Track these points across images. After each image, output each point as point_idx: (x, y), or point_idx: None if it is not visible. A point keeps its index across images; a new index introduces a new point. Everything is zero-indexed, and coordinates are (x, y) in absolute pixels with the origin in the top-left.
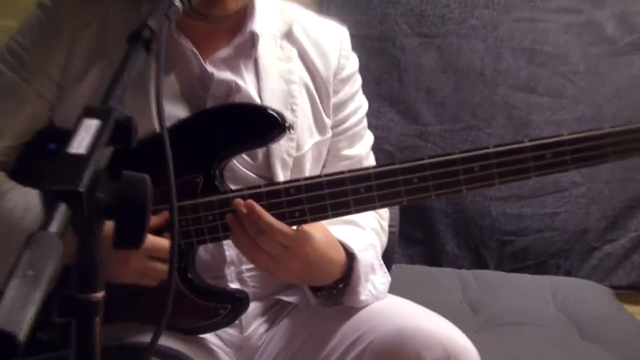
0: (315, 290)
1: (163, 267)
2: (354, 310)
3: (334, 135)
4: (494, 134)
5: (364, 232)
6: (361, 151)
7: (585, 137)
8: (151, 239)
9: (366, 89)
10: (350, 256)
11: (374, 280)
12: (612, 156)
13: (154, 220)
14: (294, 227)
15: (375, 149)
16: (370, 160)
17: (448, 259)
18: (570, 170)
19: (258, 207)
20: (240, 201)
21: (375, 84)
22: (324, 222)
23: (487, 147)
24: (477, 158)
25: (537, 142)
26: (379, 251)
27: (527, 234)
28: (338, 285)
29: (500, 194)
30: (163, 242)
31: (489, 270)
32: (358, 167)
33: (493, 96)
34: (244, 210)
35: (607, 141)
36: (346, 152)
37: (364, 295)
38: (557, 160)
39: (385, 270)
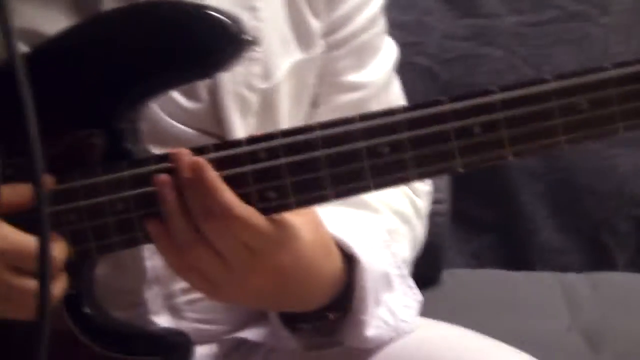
0: (290, 321)
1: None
2: (368, 352)
3: (329, 49)
4: (614, 26)
5: (376, 219)
6: (376, 75)
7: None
8: (13, 235)
9: None
10: (351, 263)
11: (390, 303)
12: None
13: (20, 192)
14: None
15: (402, 64)
16: (393, 93)
17: (543, 256)
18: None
19: (212, 173)
20: (182, 155)
21: None
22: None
23: None
24: None
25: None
26: (406, 251)
27: None
28: (328, 314)
29: (634, 133)
30: (32, 242)
31: (618, 272)
32: (373, 106)
33: None
34: (187, 174)
35: None
36: (352, 77)
37: (372, 328)
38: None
39: (412, 283)
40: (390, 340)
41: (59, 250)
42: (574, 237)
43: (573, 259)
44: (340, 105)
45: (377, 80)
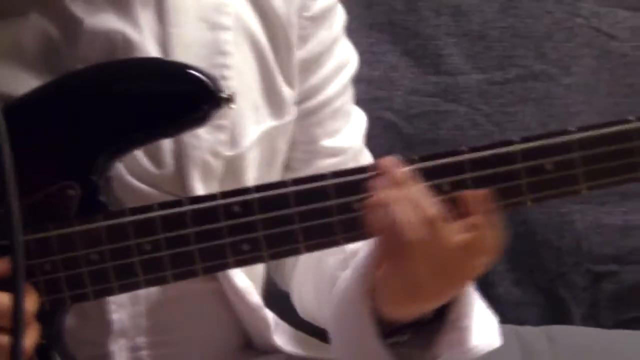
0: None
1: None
2: None
3: (303, 116)
4: (576, 86)
5: None
6: (352, 141)
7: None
8: None
9: (350, 14)
10: None
11: (477, 317)
12: None
13: None
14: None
15: (368, 119)
16: (367, 156)
17: (500, 309)
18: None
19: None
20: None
21: (365, 5)
22: None
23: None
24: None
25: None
26: None
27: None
28: (446, 314)
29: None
30: (5, 299)
31: (575, 326)
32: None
33: (572, 18)
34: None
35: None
36: (329, 142)
37: (476, 338)
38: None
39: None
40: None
41: (31, 302)
42: (532, 290)
43: (530, 313)
44: (320, 169)
45: (352, 145)
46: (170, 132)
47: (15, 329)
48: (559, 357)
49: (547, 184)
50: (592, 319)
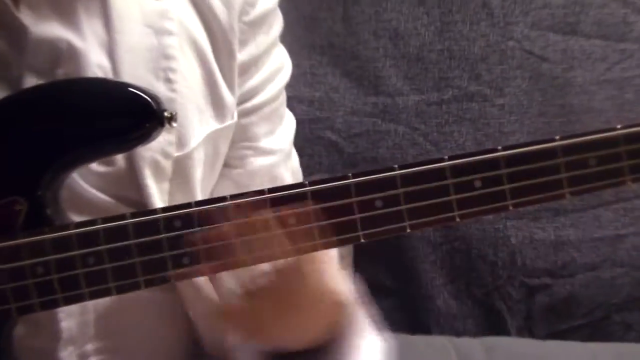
0: None
1: None
2: None
3: (242, 116)
4: (510, 106)
5: None
6: (284, 143)
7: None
8: None
9: (292, 36)
10: None
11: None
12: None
13: None
14: None
15: (310, 138)
16: (295, 160)
17: (439, 321)
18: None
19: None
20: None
21: (306, 27)
22: None
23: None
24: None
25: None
26: None
27: (572, 273)
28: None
29: (524, 208)
30: None
31: (510, 337)
32: (282, 170)
33: (505, 41)
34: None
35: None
36: (264, 142)
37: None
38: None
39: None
40: None
41: None
42: (469, 303)
43: (467, 324)
44: (256, 168)
45: (284, 147)
46: (115, 150)
47: None
48: None
49: (475, 200)
50: (527, 330)
